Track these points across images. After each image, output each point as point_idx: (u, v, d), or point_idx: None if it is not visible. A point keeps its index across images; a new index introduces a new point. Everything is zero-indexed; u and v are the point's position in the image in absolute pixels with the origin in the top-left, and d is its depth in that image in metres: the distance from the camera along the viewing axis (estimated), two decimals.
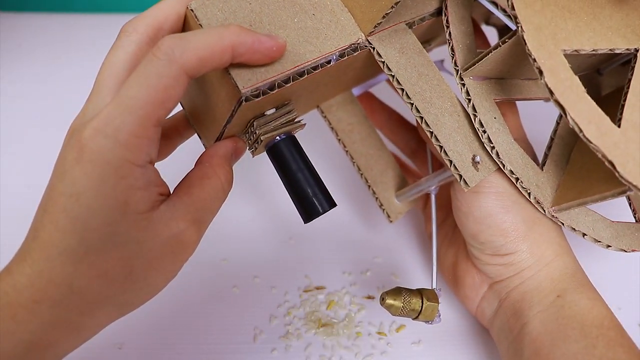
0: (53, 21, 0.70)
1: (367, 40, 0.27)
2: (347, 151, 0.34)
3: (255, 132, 0.27)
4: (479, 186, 0.29)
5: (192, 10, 0.23)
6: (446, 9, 0.30)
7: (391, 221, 0.34)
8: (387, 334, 0.33)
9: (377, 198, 0.34)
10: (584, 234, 0.29)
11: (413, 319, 0.29)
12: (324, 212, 0.27)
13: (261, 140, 0.27)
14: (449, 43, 0.29)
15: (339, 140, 0.34)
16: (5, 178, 0.44)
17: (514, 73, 0.30)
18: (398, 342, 0.33)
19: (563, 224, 0.29)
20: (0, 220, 0.40)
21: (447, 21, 0.29)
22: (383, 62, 0.28)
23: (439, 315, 0.29)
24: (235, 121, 0.27)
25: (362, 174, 0.34)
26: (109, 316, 0.24)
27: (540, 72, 0.23)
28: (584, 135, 0.23)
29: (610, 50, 0.25)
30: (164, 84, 0.21)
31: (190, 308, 0.34)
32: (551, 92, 0.23)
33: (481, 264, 0.30)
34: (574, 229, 0.29)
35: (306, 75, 0.25)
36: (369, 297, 0.35)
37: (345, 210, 0.42)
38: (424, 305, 0.28)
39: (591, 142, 0.23)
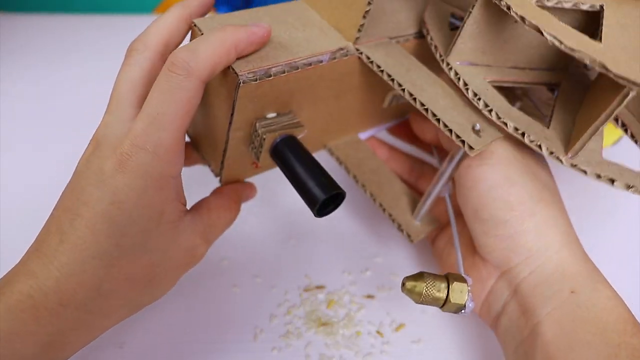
0: (54, 22, 0.70)
1: (356, 48, 0.29)
2: (357, 180, 0.34)
3: (258, 132, 0.28)
4: (483, 158, 0.28)
5: (195, 25, 0.26)
6: (424, 22, 0.31)
7: (412, 241, 0.32)
8: (387, 333, 0.33)
9: (394, 220, 0.33)
10: (612, 180, 0.26)
11: (441, 307, 0.26)
12: (327, 197, 0.26)
13: (264, 139, 0.27)
14: (431, 44, 0.30)
15: (349, 171, 0.35)
16: (5, 178, 0.44)
17: (498, 58, 0.30)
18: (398, 341, 0.33)
19: (586, 172, 0.27)
20: (0, 220, 0.40)
21: (427, 30, 0.31)
22: (372, 62, 0.29)
23: (471, 300, 0.25)
24: (239, 123, 0.27)
25: (375, 200, 0.34)
26: (121, 317, 0.25)
27: (508, 8, 0.24)
28: (565, 46, 0.22)
29: (574, 5, 0.26)
30: (188, 96, 0.23)
31: (190, 307, 0.34)
32: (522, 19, 0.23)
33: (487, 251, 0.29)
34: (599, 175, 0.27)
35: (299, 70, 0.26)
36: (369, 297, 0.35)
37: (346, 210, 0.42)
38: (450, 288, 0.25)
39: (574, 50, 0.22)
